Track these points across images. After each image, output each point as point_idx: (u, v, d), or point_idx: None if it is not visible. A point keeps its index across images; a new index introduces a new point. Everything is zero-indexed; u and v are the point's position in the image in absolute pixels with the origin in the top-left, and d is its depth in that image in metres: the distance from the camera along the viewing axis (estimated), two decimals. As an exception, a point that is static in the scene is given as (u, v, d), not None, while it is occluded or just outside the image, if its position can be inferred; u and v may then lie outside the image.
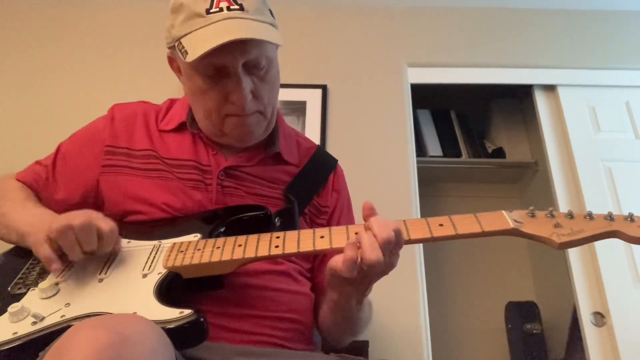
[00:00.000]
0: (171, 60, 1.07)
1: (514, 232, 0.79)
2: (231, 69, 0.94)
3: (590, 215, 0.78)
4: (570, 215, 0.79)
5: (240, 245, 0.84)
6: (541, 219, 0.80)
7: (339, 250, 0.81)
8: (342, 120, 2.16)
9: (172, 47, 1.00)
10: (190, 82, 1.00)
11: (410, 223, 0.82)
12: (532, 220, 0.80)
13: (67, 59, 2.25)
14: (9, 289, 0.86)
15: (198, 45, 0.90)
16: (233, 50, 0.91)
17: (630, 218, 0.77)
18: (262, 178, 1.06)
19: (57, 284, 0.82)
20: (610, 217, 0.78)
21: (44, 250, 0.82)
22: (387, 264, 0.78)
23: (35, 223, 0.90)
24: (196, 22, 0.92)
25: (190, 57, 0.90)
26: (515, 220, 0.80)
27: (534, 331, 2.39)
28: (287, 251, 0.83)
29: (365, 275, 0.80)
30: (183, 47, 0.93)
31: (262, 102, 1.00)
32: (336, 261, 0.79)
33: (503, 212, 0.81)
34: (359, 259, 0.76)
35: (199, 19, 0.92)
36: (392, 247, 0.77)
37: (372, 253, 0.75)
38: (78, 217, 0.81)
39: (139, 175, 1.01)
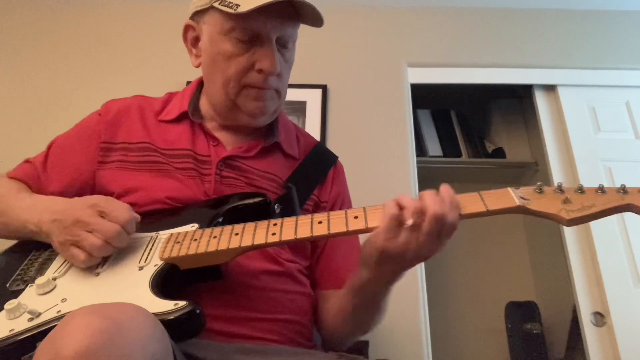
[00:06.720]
0: (187, 30, 1.07)
1: (521, 210, 0.75)
2: (266, 38, 0.97)
3: (601, 189, 0.74)
4: (580, 190, 0.75)
5: (237, 234, 0.83)
6: (549, 195, 0.76)
7: (337, 236, 0.80)
8: (342, 120, 2.17)
9: (200, 12, 1.01)
10: (215, 48, 1.00)
11: None
12: (539, 196, 0.76)
13: (67, 59, 2.26)
14: (8, 285, 0.85)
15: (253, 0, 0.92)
16: (274, 20, 0.96)
17: None
18: (262, 170, 1.05)
19: (54, 279, 0.82)
20: (623, 190, 0.74)
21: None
22: (435, 249, 0.76)
23: (38, 211, 0.89)
24: None
25: (244, 8, 0.92)
26: (522, 198, 0.76)
27: (534, 331, 2.38)
28: (284, 238, 0.81)
29: (403, 249, 0.76)
30: (231, 2, 0.94)
31: (280, 81, 1.03)
32: (375, 232, 0.77)
33: (509, 189, 0.78)
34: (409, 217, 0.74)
35: None
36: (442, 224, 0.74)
37: (433, 206, 0.73)
38: (123, 212, 0.83)
39: (135, 169, 1.01)
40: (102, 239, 0.81)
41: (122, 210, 0.84)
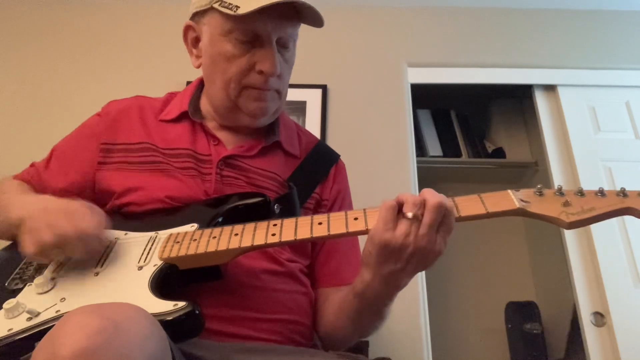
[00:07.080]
0: (187, 30, 1.07)
1: (521, 213, 0.76)
2: (266, 39, 0.97)
3: (601, 192, 0.75)
4: (580, 193, 0.76)
5: (236, 235, 0.83)
6: (549, 198, 0.77)
7: (337, 237, 0.80)
8: (342, 120, 2.17)
9: (200, 12, 1.01)
10: (215, 48, 1.00)
11: None
12: (539, 199, 0.77)
13: (67, 59, 2.26)
14: (6, 284, 0.85)
15: (252, 1, 0.91)
16: (274, 21, 0.96)
17: None
18: (263, 169, 1.05)
19: (53, 278, 0.82)
20: (623, 193, 0.74)
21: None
22: (435, 244, 0.75)
23: (29, 209, 0.88)
24: None
25: (244, 9, 0.91)
26: (521, 200, 0.77)
27: (534, 331, 2.38)
28: (284, 239, 0.81)
29: (402, 247, 0.75)
30: (230, 4, 0.94)
31: (281, 82, 1.03)
32: (374, 226, 0.77)
33: (509, 191, 0.78)
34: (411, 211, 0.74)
35: None
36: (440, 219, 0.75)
37: (434, 197, 0.74)
38: (88, 222, 0.81)
39: (136, 169, 1.01)
40: (54, 234, 0.78)
41: (89, 221, 0.82)
